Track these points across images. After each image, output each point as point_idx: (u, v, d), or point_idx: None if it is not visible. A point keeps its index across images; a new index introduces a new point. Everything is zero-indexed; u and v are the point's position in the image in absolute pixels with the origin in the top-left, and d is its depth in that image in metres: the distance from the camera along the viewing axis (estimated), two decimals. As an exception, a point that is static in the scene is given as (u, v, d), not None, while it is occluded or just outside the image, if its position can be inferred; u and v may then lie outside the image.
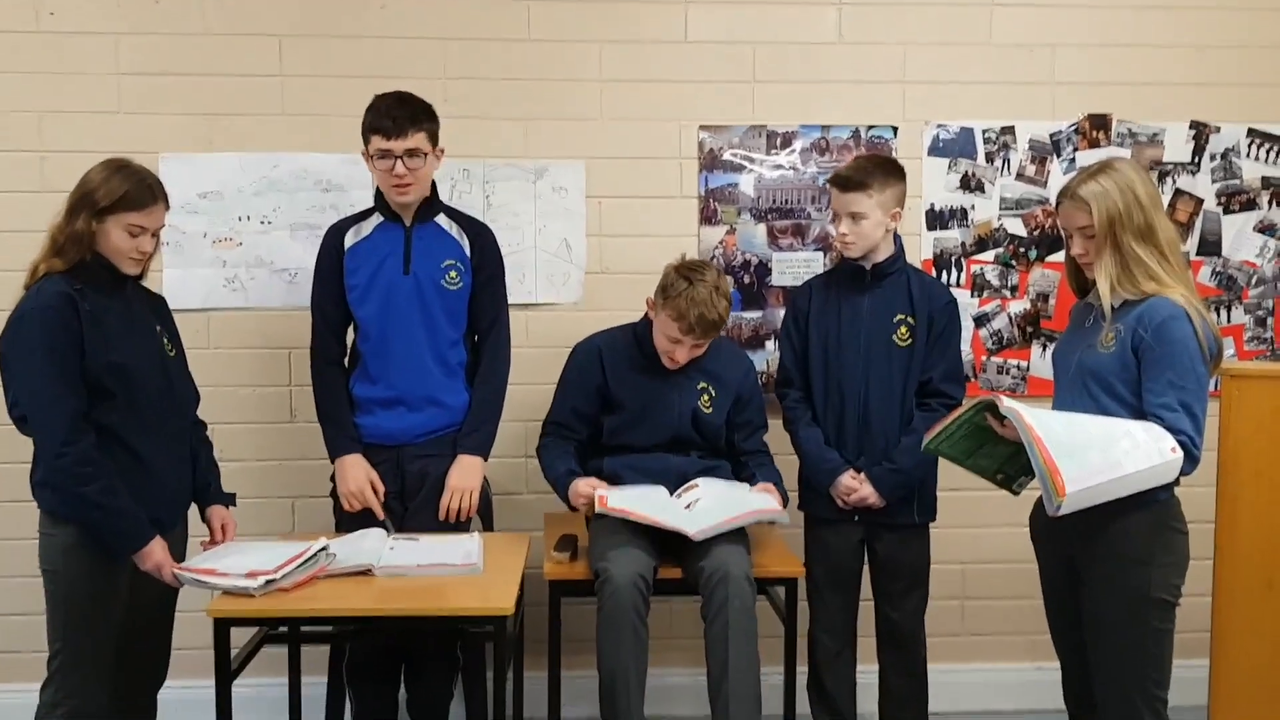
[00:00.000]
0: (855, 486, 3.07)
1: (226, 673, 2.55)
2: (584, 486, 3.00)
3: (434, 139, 3.02)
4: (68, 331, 2.47)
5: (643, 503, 2.91)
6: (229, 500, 2.88)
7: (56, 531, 2.54)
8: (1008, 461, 2.57)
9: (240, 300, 3.52)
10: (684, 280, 2.96)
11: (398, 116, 2.94)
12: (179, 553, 2.72)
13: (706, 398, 3.12)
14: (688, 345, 3.02)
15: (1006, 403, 2.36)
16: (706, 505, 2.91)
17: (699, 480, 3.04)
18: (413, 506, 3.07)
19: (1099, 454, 2.26)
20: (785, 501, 3.05)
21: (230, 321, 3.51)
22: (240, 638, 2.65)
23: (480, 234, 3.14)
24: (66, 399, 2.47)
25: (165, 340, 2.73)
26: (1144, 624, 2.42)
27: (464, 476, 3.05)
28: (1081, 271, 2.57)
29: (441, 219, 3.12)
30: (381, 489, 3.03)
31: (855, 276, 3.12)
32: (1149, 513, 2.40)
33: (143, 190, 2.56)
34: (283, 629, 2.75)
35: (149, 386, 2.60)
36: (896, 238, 3.12)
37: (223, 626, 2.53)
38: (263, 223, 3.50)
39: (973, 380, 3.63)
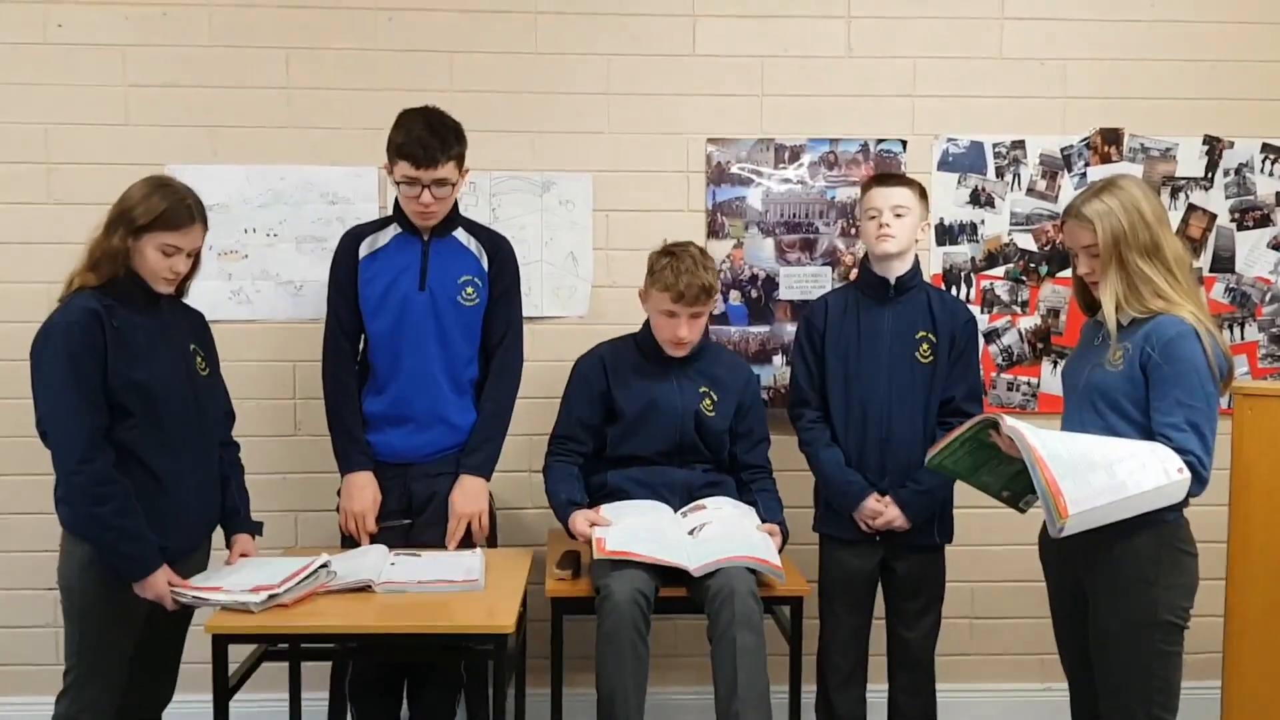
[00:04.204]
0: (881, 510, 3.03)
1: (224, 690, 2.53)
2: (582, 524, 2.93)
3: (462, 162, 2.95)
4: (90, 347, 2.44)
5: (643, 537, 2.83)
6: (256, 529, 2.84)
7: (74, 548, 2.51)
8: (1013, 479, 2.54)
9: (246, 313, 3.50)
10: (666, 255, 3.02)
11: (429, 146, 2.85)
12: (198, 573, 2.68)
13: (709, 401, 3.10)
14: (685, 318, 3.00)
15: (1009, 422, 2.33)
16: (712, 533, 2.87)
17: (707, 501, 3.02)
18: (419, 523, 3.04)
19: (1103, 474, 2.23)
20: (785, 538, 3.01)
21: (235, 334, 3.48)
22: (240, 653, 2.63)
23: (499, 247, 3.08)
24: (85, 415, 2.44)
25: (199, 359, 2.71)
26: (1150, 646, 2.38)
27: (469, 500, 3.00)
28: (1089, 290, 2.54)
29: (460, 233, 3.06)
30: (374, 517, 2.99)
31: (877, 290, 3.09)
32: (1155, 533, 2.36)
33: (180, 210, 2.54)
34: (282, 646, 2.73)
35: (174, 405, 2.58)
36: (914, 255, 3.10)
37: (221, 643, 2.51)
38: (269, 235, 3.49)
39: (983, 397, 3.59)
